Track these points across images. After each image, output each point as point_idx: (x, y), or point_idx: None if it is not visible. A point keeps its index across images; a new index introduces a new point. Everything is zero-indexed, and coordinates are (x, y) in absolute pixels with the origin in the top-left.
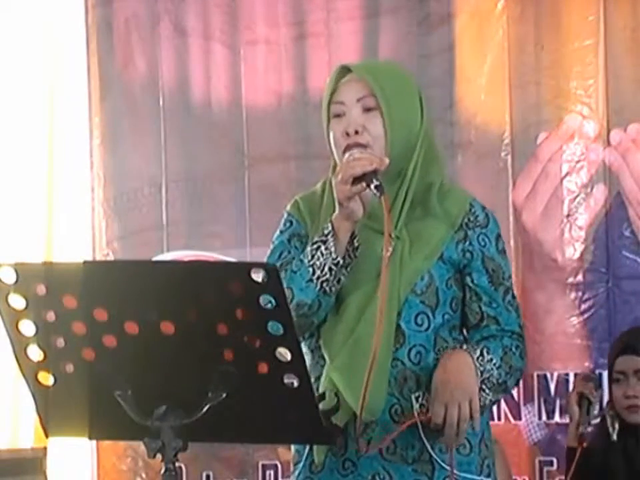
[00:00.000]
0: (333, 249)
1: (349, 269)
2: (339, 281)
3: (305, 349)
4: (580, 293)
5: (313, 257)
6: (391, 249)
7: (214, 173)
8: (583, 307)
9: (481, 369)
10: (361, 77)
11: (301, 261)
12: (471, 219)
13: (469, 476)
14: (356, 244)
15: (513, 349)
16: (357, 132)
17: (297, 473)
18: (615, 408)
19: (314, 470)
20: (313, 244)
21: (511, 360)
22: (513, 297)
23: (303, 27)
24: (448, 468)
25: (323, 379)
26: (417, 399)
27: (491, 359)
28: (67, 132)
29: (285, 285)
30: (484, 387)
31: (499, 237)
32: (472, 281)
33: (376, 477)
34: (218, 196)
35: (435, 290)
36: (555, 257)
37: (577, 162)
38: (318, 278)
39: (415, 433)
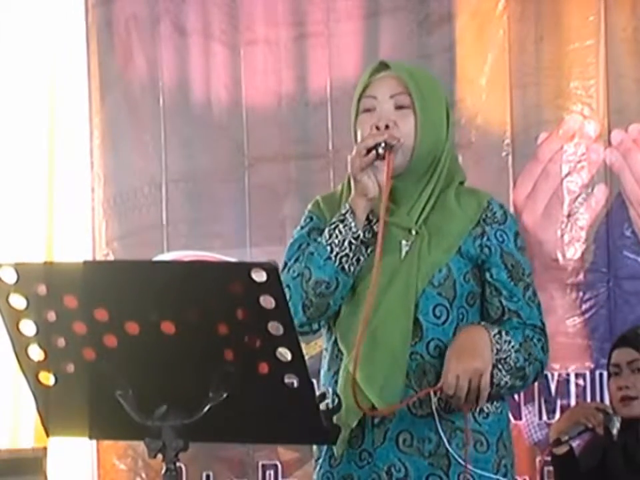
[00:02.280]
0: (352, 224)
1: (368, 250)
2: (357, 261)
3: (324, 344)
4: (581, 293)
5: (330, 236)
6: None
7: (214, 173)
8: (584, 307)
9: (497, 346)
10: (397, 74)
11: (318, 242)
12: (489, 215)
13: (485, 473)
14: (375, 227)
15: (535, 340)
16: (387, 127)
17: (317, 468)
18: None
19: (333, 464)
20: (331, 224)
21: (530, 348)
22: (534, 293)
23: (303, 27)
24: (464, 464)
25: (341, 371)
26: (435, 393)
27: (509, 341)
28: (67, 132)
29: (303, 266)
30: (500, 366)
31: (517, 234)
32: (491, 276)
33: (392, 468)
34: (218, 196)
35: (452, 283)
36: (555, 257)
37: (578, 162)
38: (337, 255)
39: (432, 425)
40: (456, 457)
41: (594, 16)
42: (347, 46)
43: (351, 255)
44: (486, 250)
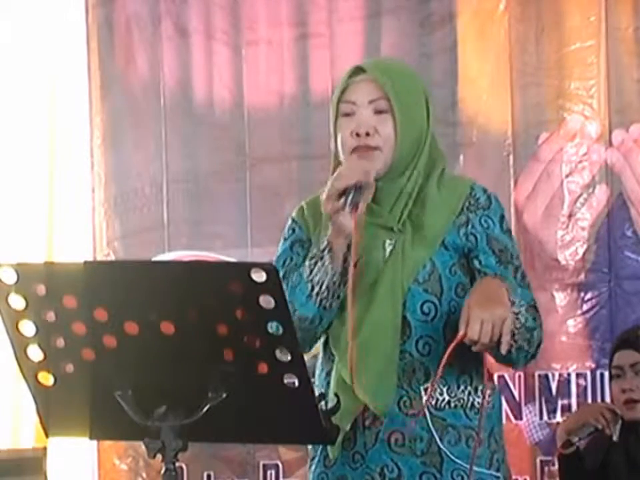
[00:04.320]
0: (329, 267)
1: (344, 286)
2: (338, 297)
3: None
4: (582, 293)
5: (311, 272)
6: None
7: (215, 173)
8: (585, 306)
9: (512, 299)
10: (374, 79)
11: (300, 275)
12: (472, 202)
13: (478, 469)
14: (352, 257)
15: (533, 313)
16: (367, 134)
17: (312, 467)
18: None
19: (327, 464)
20: (311, 258)
21: (535, 314)
22: (523, 275)
23: (304, 27)
24: (457, 460)
25: (333, 374)
26: (425, 390)
27: (520, 299)
28: (68, 132)
29: (287, 297)
30: (514, 320)
31: (502, 217)
32: (480, 263)
33: (384, 469)
34: (219, 196)
35: (437, 277)
36: (556, 257)
37: (579, 162)
38: (317, 294)
39: (423, 424)
40: (448, 454)
41: (595, 16)
42: (348, 46)
43: (330, 296)
44: (471, 238)
